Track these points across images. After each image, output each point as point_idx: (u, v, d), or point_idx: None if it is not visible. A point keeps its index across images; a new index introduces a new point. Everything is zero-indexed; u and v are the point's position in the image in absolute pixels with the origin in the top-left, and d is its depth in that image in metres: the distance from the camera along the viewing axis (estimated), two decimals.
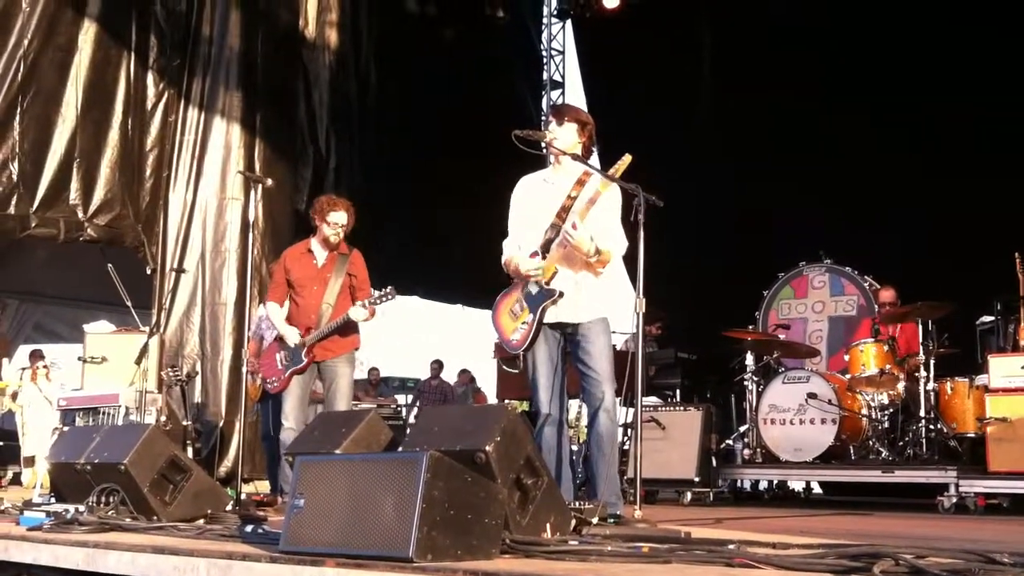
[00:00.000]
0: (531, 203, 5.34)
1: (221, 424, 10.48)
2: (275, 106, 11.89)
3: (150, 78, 11.39)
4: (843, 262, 10.10)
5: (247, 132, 11.53)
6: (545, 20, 15.60)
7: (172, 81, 11.49)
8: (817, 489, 10.09)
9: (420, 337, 15.78)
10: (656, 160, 5.52)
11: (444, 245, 13.35)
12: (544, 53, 15.51)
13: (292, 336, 6.72)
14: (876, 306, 9.34)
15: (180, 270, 10.62)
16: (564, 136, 5.27)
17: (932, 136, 10.30)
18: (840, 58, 11.12)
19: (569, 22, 15.10)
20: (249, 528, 4.39)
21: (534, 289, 5.17)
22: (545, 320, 5.15)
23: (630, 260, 5.16)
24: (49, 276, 13.58)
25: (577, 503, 4.65)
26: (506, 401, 9.56)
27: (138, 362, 8.15)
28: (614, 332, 5.38)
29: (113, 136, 11.00)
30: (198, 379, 10.63)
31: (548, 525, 4.00)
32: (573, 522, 4.21)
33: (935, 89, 10.31)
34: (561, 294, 5.11)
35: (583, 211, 5.06)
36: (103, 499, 5.14)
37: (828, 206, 10.73)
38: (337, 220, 6.75)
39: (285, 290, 6.91)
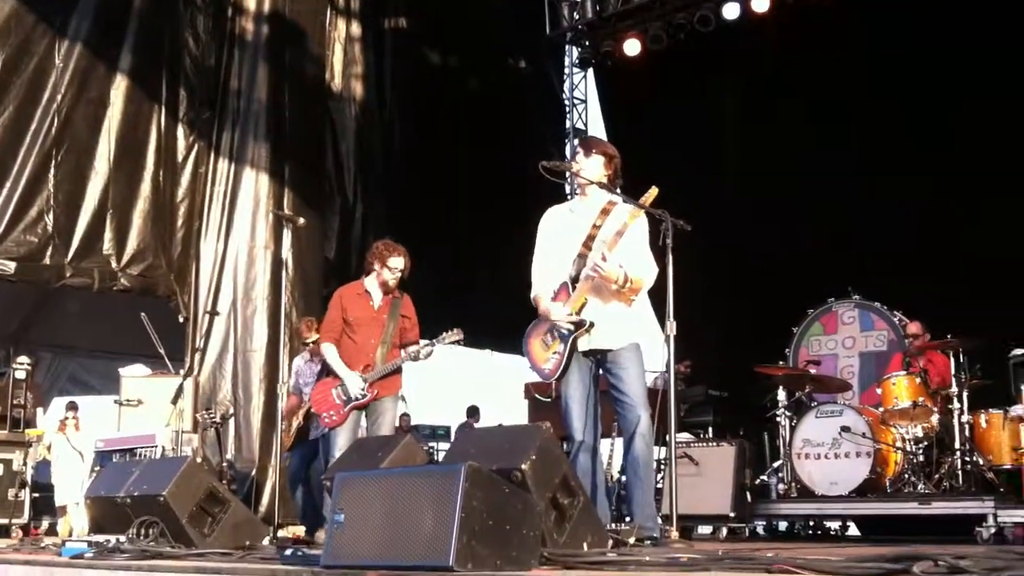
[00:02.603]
0: (557, 233, 5.42)
1: (254, 472, 10.51)
2: (303, 157, 12.05)
3: (180, 131, 11.58)
4: (872, 297, 10.10)
5: (276, 182, 11.67)
6: (567, 70, 15.75)
7: (202, 133, 11.68)
8: (853, 530, 9.96)
9: (448, 384, 15.72)
10: (681, 200, 5.56)
11: (471, 290, 13.38)
12: (567, 102, 15.65)
13: (355, 386, 6.72)
14: (907, 340, 9.31)
15: (214, 312, 10.72)
16: (590, 167, 5.35)
17: (960, 169, 10.25)
18: (862, 92, 11.16)
19: (591, 71, 15.21)
20: (289, 552, 4.42)
21: None
22: (578, 348, 5.21)
23: (659, 289, 5.23)
24: (83, 329, 13.73)
25: (613, 525, 4.66)
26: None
27: (174, 402, 8.22)
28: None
29: (145, 188, 11.17)
30: (231, 426, 10.67)
31: (585, 544, 4.01)
32: (610, 543, 4.21)
33: (962, 120, 10.30)
34: (592, 324, 5.16)
35: (612, 242, 5.12)
36: (143, 531, 5.19)
37: (856, 240, 10.71)
38: (396, 265, 6.88)
39: (341, 329, 6.93)
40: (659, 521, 5.08)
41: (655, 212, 5.01)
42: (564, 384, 5.22)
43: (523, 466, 3.88)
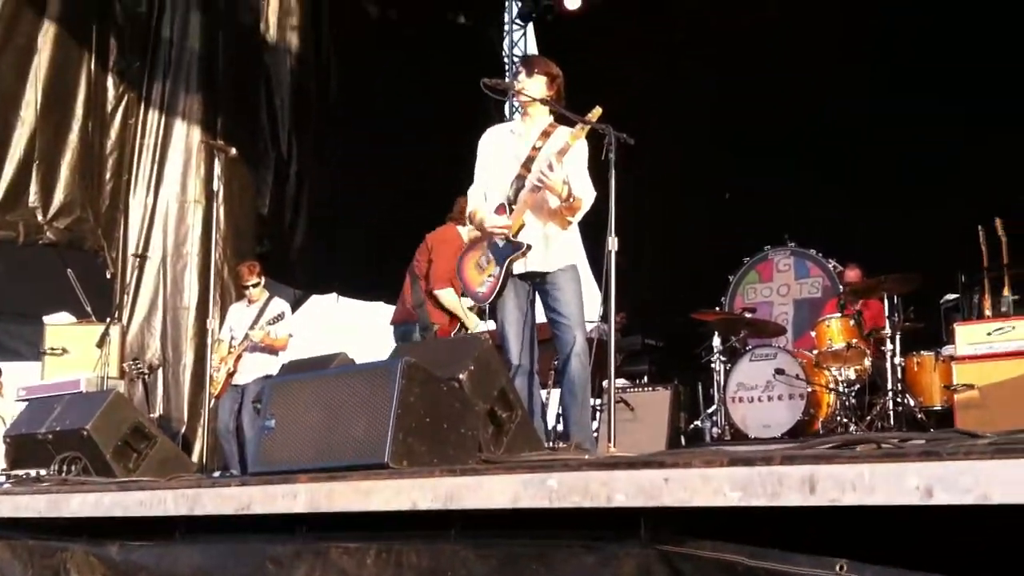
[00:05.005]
0: (497, 153, 5.35)
1: (183, 430, 10.29)
2: (236, 109, 11.79)
3: (110, 80, 11.25)
4: (807, 244, 10.16)
5: (208, 135, 11.35)
6: (507, 27, 15.61)
7: (132, 83, 11.36)
8: None
9: (381, 342, 15.33)
10: (618, 154, 5.47)
11: (405, 248, 13.20)
12: (506, 59, 15.50)
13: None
14: (841, 287, 9.38)
15: (143, 256, 10.48)
16: (533, 87, 5.28)
17: (893, 114, 10.19)
18: (799, 41, 11.07)
19: (531, 27, 15.09)
20: (217, 474, 4.31)
21: (501, 242, 5.16)
22: (513, 272, 5.15)
23: (589, 226, 5.16)
24: (7, 291, 13.32)
25: (550, 444, 4.61)
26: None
27: (100, 345, 7.99)
28: None
29: (73, 138, 10.84)
30: (159, 385, 10.43)
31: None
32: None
33: (898, 62, 10.26)
34: (529, 247, 5.11)
35: (556, 157, 5.05)
36: (65, 468, 5.02)
37: (791, 188, 10.69)
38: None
39: None
40: (595, 444, 5.05)
41: (599, 126, 4.95)
42: (499, 308, 5.16)
43: (461, 376, 3.81)
